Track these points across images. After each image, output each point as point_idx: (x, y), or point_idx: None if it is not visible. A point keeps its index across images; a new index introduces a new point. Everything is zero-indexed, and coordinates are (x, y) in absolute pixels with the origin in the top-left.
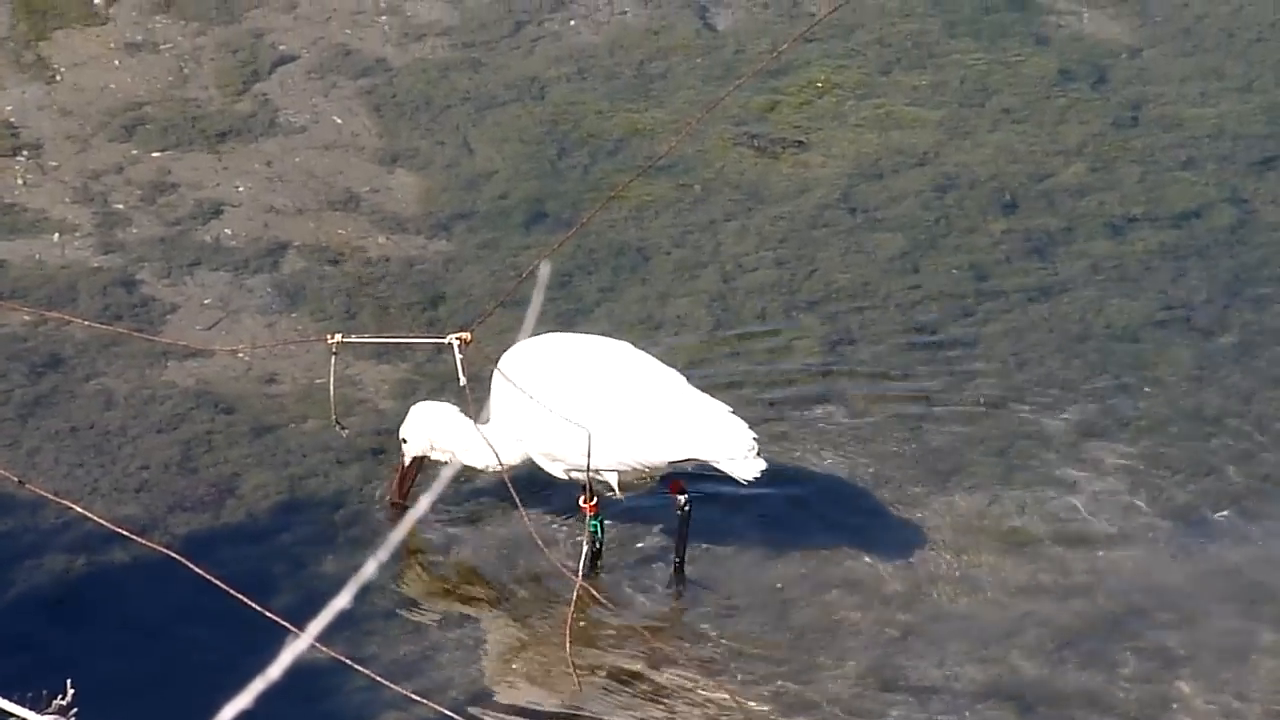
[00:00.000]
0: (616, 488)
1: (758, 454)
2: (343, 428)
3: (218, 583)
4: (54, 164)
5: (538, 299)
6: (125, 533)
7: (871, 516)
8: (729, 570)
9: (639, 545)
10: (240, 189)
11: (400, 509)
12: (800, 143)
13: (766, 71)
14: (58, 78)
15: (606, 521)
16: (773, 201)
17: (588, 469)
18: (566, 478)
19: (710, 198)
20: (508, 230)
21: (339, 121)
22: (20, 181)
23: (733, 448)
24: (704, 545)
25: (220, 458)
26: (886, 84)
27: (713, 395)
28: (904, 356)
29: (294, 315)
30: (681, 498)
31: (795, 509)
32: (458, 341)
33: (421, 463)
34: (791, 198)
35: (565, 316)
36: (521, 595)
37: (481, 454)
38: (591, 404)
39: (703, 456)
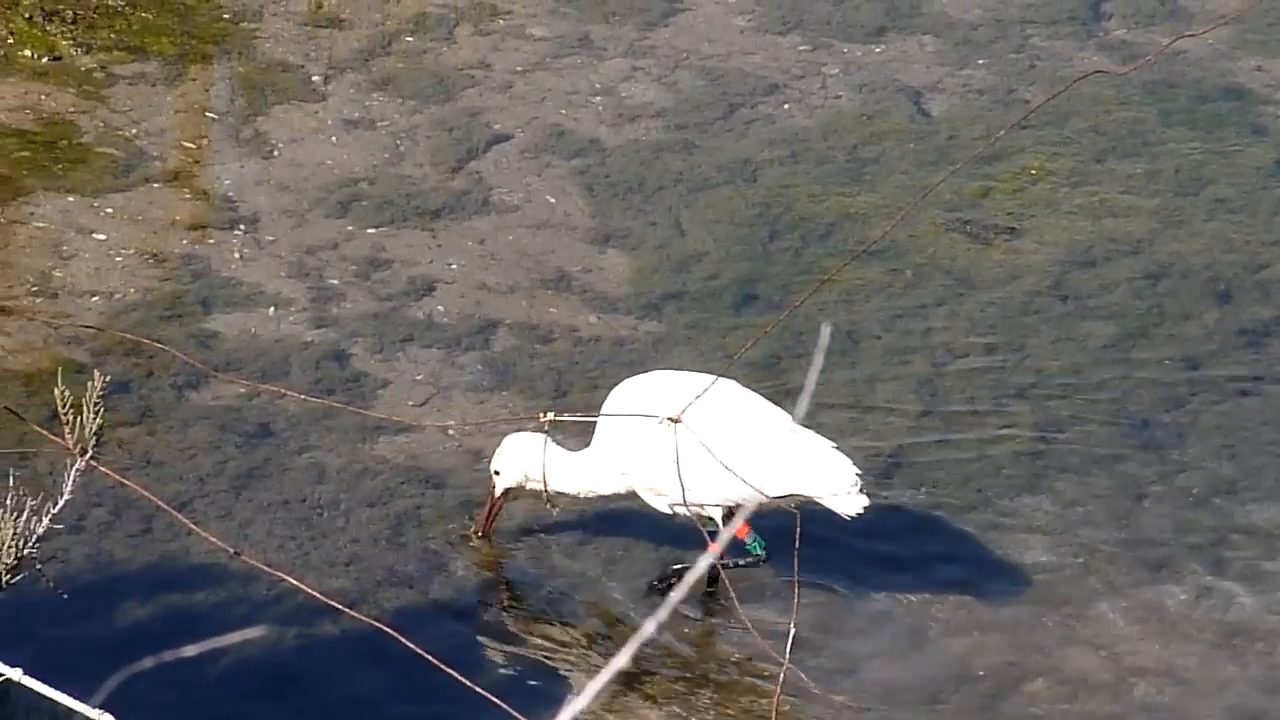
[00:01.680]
0: (720, 522)
1: (860, 490)
2: (553, 505)
3: (428, 657)
4: (270, 239)
5: (818, 360)
6: (336, 605)
7: (1079, 606)
8: (933, 657)
9: (845, 626)
10: (453, 266)
11: (484, 539)
12: (1012, 229)
13: (979, 158)
14: (275, 153)
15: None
16: (984, 287)
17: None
18: (670, 511)
19: (921, 282)
20: (717, 311)
21: (552, 201)
22: (237, 255)
23: (836, 484)
24: (910, 631)
25: (429, 533)
26: (1100, 172)
27: (920, 481)
28: (1114, 445)
29: (504, 393)
30: (747, 540)
31: (1000, 597)
32: (669, 422)
33: (508, 495)
34: (1003, 284)
35: (774, 398)
36: (726, 677)
37: (578, 480)
38: (697, 439)
39: (806, 492)
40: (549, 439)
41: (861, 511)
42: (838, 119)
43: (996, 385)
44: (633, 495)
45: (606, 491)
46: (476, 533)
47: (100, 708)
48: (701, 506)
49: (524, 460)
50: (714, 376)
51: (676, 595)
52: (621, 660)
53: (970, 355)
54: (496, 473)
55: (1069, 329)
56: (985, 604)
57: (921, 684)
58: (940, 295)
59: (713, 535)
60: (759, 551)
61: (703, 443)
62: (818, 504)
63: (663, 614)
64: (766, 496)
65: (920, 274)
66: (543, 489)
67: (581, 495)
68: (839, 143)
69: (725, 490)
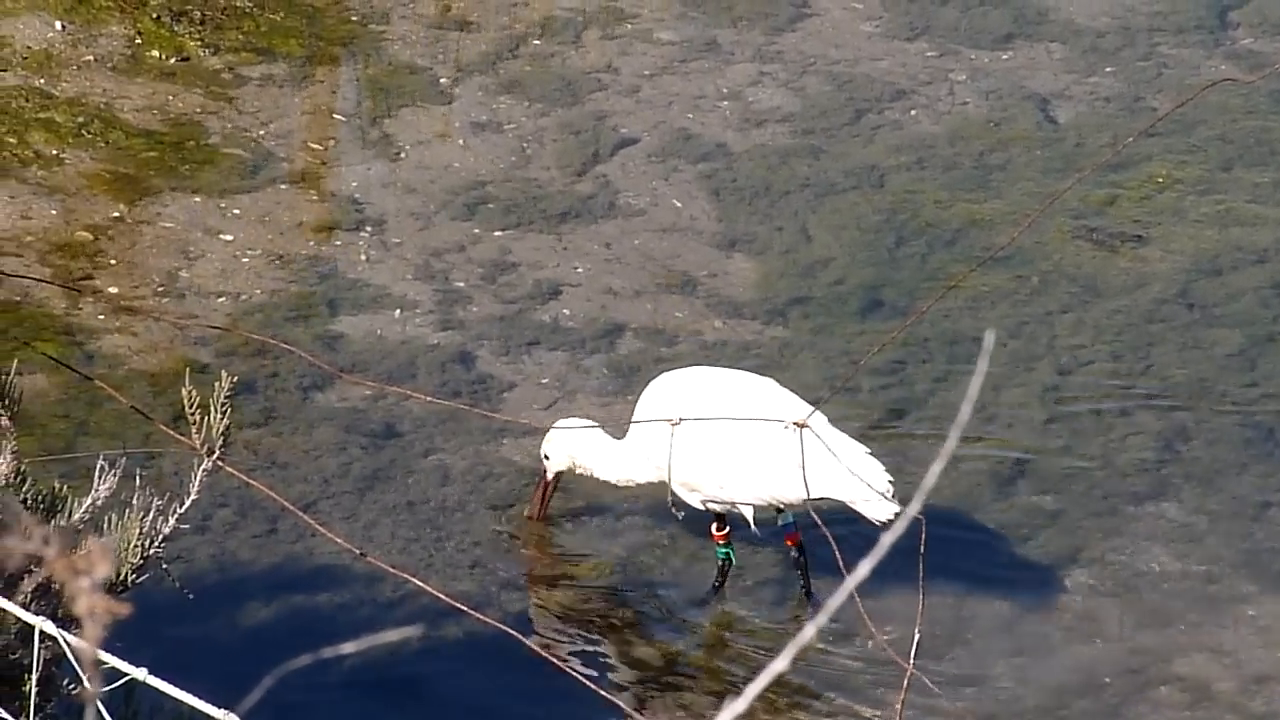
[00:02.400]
0: (751, 521)
1: (893, 496)
2: (678, 509)
3: (551, 659)
4: (396, 241)
5: (982, 366)
6: (461, 607)
7: (1202, 614)
8: (1057, 665)
9: (967, 634)
10: (579, 270)
11: (539, 522)
12: (1139, 237)
13: (1106, 165)
14: (402, 155)
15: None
16: (1109, 295)
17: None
18: (702, 507)
19: (1047, 290)
20: (843, 317)
21: (678, 205)
22: (363, 257)
23: (869, 489)
24: (1033, 638)
25: (554, 535)
26: (1227, 180)
27: (1046, 487)
28: (1239, 454)
29: (629, 396)
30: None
31: (1123, 605)
32: (795, 427)
33: (559, 479)
34: (1129, 292)
35: (897, 404)
36: (850, 684)
37: (620, 469)
38: (732, 437)
39: (839, 496)
40: (599, 427)
41: (892, 518)
42: (965, 125)
43: (1121, 393)
44: (664, 487)
45: (642, 480)
46: (530, 516)
47: (225, 708)
48: (734, 505)
49: (571, 447)
50: (746, 374)
51: (836, 601)
52: (780, 664)
53: (1095, 363)
54: (546, 458)
55: (1195, 337)
56: (1109, 612)
57: (1045, 691)
58: (1066, 303)
59: (720, 525)
60: (727, 558)
61: (738, 441)
62: (851, 508)
63: (822, 619)
64: (799, 498)
65: (1046, 281)
66: (590, 474)
67: (621, 484)
68: (966, 149)
69: (758, 490)
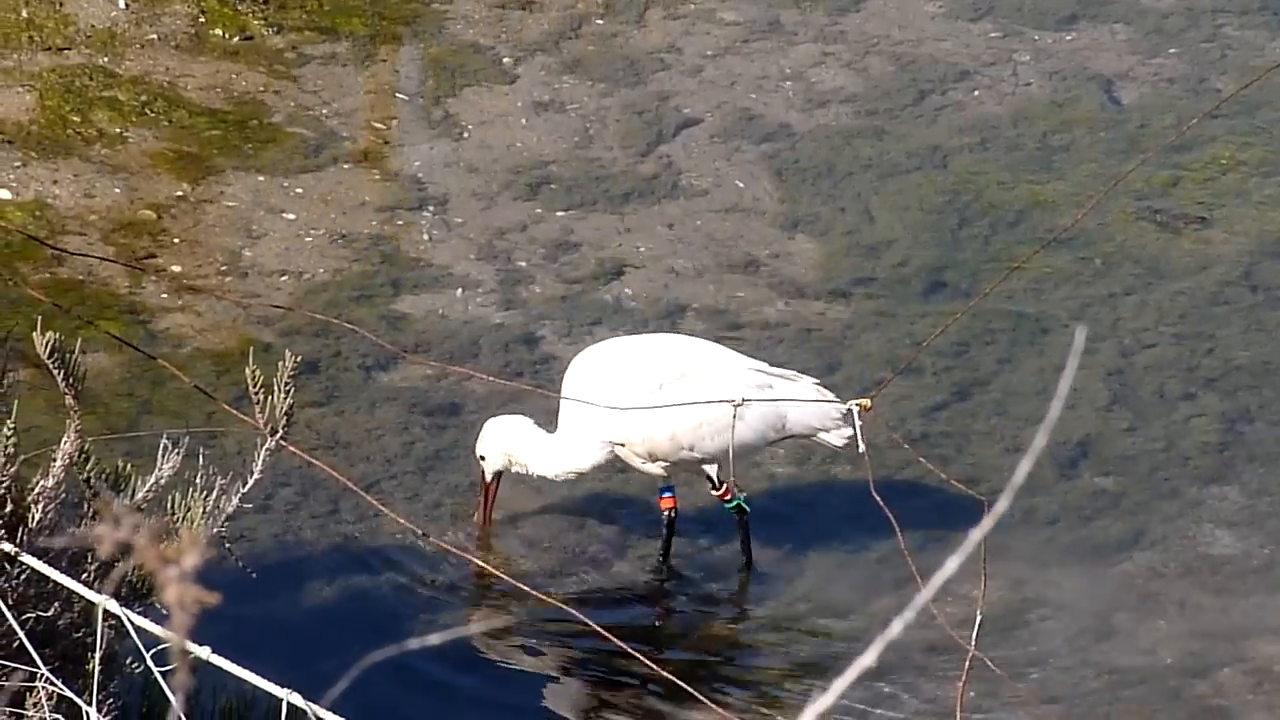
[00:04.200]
0: (715, 478)
1: (846, 422)
2: (739, 489)
3: (614, 639)
4: (459, 220)
5: (1073, 362)
6: (523, 587)
7: (1265, 596)
8: (1118, 646)
9: (1029, 616)
10: (641, 250)
11: (484, 528)
12: (1203, 219)
13: (1170, 147)
14: (465, 135)
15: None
16: (1173, 277)
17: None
18: (663, 473)
19: (1110, 271)
20: (906, 298)
21: (741, 185)
22: (426, 237)
23: (831, 419)
24: (1095, 620)
25: (614, 515)
26: None
27: (1108, 469)
28: None
29: None
30: (667, 512)
31: (1186, 587)
32: (857, 408)
33: (500, 479)
34: (1192, 274)
35: (960, 385)
36: (911, 665)
37: (556, 462)
38: (694, 393)
39: (804, 431)
40: (529, 420)
41: (847, 442)
42: (1028, 106)
43: (1185, 375)
44: (608, 470)
45: (586, 468)
46: (477, 522)
47: (287, 687)
48: (701, 464)
49: (504, 444)
50: (676, 336)
51: (927, 595)
52: (868, 659)
53: (1159, 345)
54: (482, 458)
55: (1259, 319)
56: (1171, 593)
57: (1107, 673)
58: (1129, 284)
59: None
60: (744, 507)
61: (702, 395)
62: (815, 440)
63: (910, 614)
64: (766, 440)
65: (1109, 263)
66: (524, 470)
67: (560, 477)
68: (1029, 130)
69: (728, 438)
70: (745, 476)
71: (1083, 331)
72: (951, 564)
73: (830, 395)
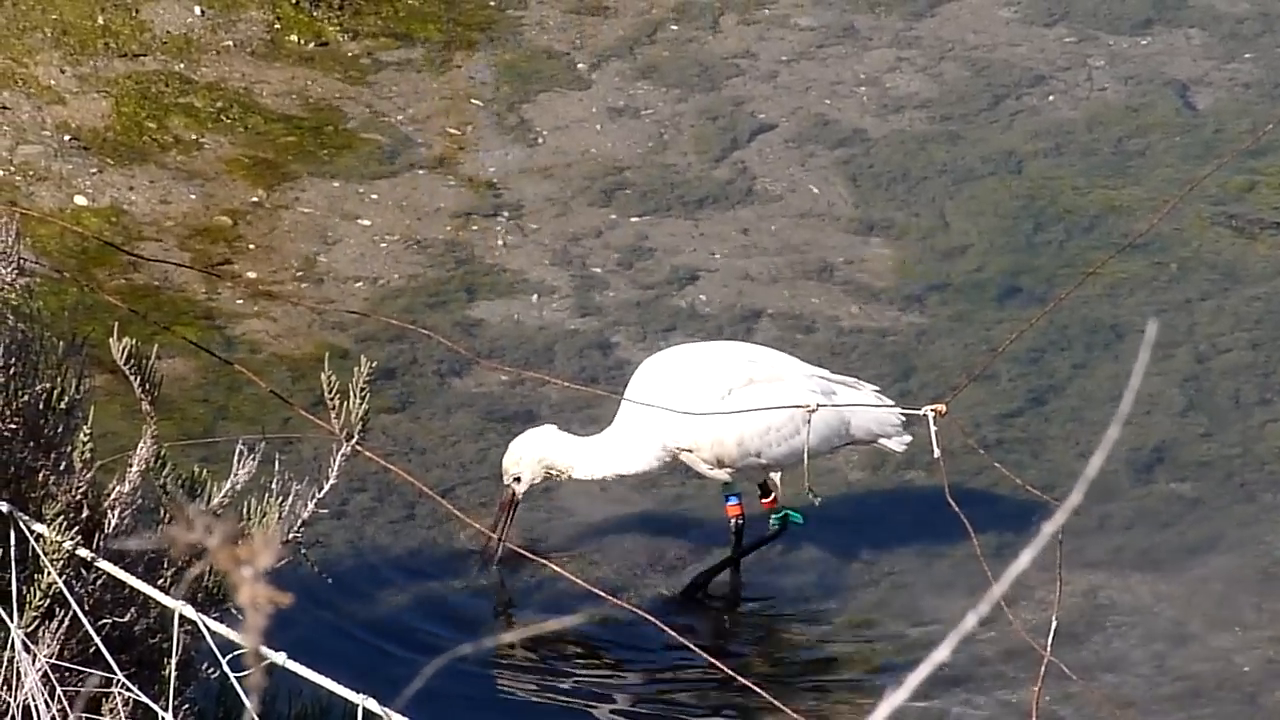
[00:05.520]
0: (769, 486)
1: (906, 427)
2: (815, 495)
3: (691, 646)
4: (534, 226)
5: (1144, 357)
6: (599, 593)
7: None
8: (1195, 652)
9: (1104, 622)
10: (716, 255)
11: (494, 552)
12: (1278, 224)
13: (1246, 152)
14: (540, 140)
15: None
16: (1249, 282)
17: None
18: (727, 479)
19: (1186, 277)
20: (981, 304)
21: (815, 191)
22: (501, 243)
23: (892, 425)
24: (1171, 625)
25: (687, 521)
26: None
27: (1184, 475)
28: None
29: None
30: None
31: (1262, 592)
32: (932, 414)
33: (517, 505)
34: (1269, 279)
35: (1036, 392)
36: (985, 670)
37: (606, 463)
38: (762, 400)
39: (867, 436)
40: (554, 428)
41: (905, 448)
42: (1103, 111)
43: (1261, 381)
44: (663, 473)
45: (639, 470)
46: (494, 550)
47: (362, 692)
48: (766, 470)
49: (540, 454)
50: (742, 344)
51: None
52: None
53: (1235, 350)
54: (516, 479)
55: None
56: (1248, 598)
57: (1183, 679)
58: (1205, 290)
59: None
60: (795, 520)
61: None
62: (877, 446)
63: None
64: (831, 447)
65: (1185, 268)
66: (565, 477)
67: (609, 479)
68: (1104, 135)
69: (796, 445)
70: (817, 483)
71: (1155, 324)
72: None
73: (889, 402)
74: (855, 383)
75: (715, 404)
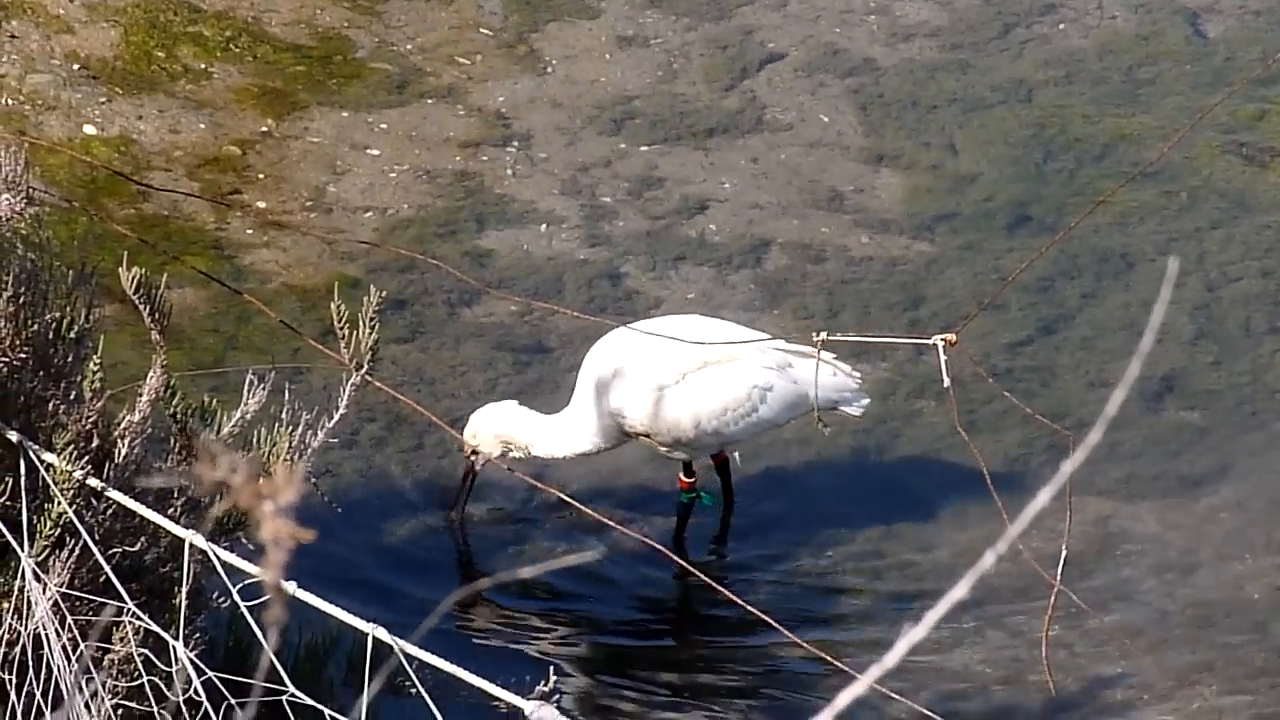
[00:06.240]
0: (739, 457)
1: (863, 390)
2: (825, 425)
3: (702, 576)
4: (543, 156)
5: (1165, 292)
6: (608, 522)
7: None
8: (1204, 581)
9: (1114, 551)
10: (725, 185)
11: (456, 520)
12: None
13: (1256, 80)
14: (549, 70)
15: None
16: (1260, 211)
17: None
18: (687, 456)
19: (1196, 205)
20: (991, 233)
21: (825, 120)
22: (510, 173)
23: (851, 391)
24: (1181, 554)
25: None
26: None
27: (1194, 403)
28: None
29: (776, 312)
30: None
31: (1271, 521)
32: (942, 343)
33: (476, 475)
34: (1278, 207)
35: (1046, 321)
36: (996, 601)
37: (564, 442)
38: (716, 381)
39: (825, 405)
40: (517, 404)
41: (864, 412)
42: (1114, 39)
43: (1271, 309)
44: (616, 447)
45: (595, 450)
46: (455, 519)
47: (372, 621)
48: (724, 446)
49: (499, 429)
50: (695, 318)
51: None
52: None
53: (1245, 279)
54: (475, 452)
55: None
56: (1257, 527)
57: (1192, 608)
58: (1215, 218)
59: (688, 471)
60: (710, 500)
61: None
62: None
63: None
64: (791, 416)
65: (1195, 197)
66: (525, 453)
67: (560, 458)
68: (1115, 64)
69: (761, 417)
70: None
71: (1175, 262)
72: (1043, 496)
73: (847, 368)
74: (810, 351)
75: (670, 387)
